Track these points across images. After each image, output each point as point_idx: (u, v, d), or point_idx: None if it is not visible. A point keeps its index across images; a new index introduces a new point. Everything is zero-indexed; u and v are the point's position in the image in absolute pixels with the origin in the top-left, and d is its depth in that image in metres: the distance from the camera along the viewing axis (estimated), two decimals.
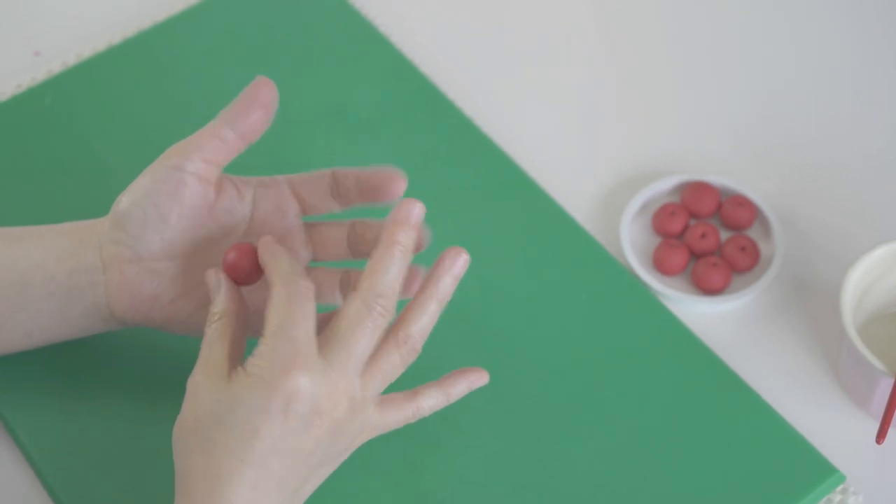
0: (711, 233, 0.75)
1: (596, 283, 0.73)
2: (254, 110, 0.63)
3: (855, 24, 0.85)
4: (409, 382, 0.68)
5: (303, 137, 0.78)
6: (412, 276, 0.62)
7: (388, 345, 0.59)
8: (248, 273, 0.61)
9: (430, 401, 0.62)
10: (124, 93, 0.80)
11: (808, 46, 0.84)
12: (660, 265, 0.74)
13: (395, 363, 0.59)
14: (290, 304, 0.57)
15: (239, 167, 0.77)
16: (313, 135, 0.79)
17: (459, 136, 0.79)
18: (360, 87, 0.81)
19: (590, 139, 0.80)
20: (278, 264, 0.59)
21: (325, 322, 0.59)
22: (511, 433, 0.67)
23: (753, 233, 0.76)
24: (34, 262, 0.63)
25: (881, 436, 0.64)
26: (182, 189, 0.62)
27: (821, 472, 0.66)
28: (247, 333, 0.60)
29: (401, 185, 0.63)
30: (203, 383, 0.57)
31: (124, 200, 0.63)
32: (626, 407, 0.68)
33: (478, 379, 0.64)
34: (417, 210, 0.60)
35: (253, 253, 0.61)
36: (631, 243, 0.75)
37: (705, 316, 0.73)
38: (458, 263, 0.61)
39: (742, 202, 0.75)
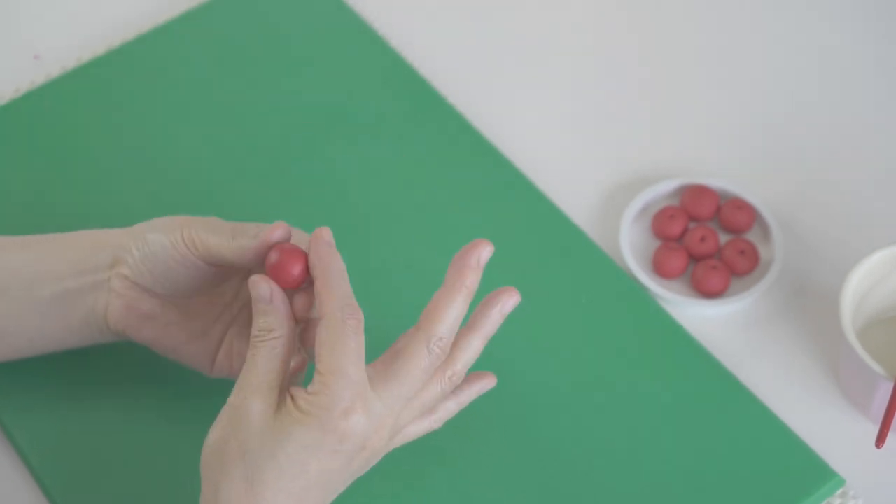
0: (710, 236, 0.75)
1: (595, 286, 0.73)
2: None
3: (856, 31, 0.85)
4: None
5: (302, 140, 0.78)
6: None
7: (434, 379, 0.59)
8: (293, 279, 0.58)
9: (446, 413, 0.62)
10: (123, 96, 0.80)
11: (808, 52, 0.84)
12: (659, 268, 0.74)
13: (437, 396, 0.59)
14: (345, 339, 0.56)
15: (238, 168, 0.78)
16: (312, 137, 0.79)
17: (458, 139, 0.78)
18: (358, 90, 0.81)
19: (589, 142, 0.80)
20: (330, 282, 0.57)
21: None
22: (510, 435, 0.67)
23: (753, 236, 0.76)
24: (45, 267, 0.64)
25: (881, 440, 0.64)
26: (199, 272, 0.62)
27: (820, 475, 0.66)
28: (292, 353, 0.59)
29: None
30: (253, 409, 0.56)
31: (146, 243, 0.62)
32: (625, 410, 0.68)
33: (487, 384, 0.64)
34: (487, 253, 0.60)
35: (298, 256, 0.59)
36: (630, 246, 0.75)
37: (704, 319, 0.73)
38: (509, 304, 0.61)
39: (741, 205, 0.75)
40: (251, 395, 0.56)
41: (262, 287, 0.58)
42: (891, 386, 0.65)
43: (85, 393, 0.68)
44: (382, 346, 0.69)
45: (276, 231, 0.60)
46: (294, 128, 0.79)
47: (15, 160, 0.78)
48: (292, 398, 0.56)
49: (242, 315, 0.65)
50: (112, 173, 0.77)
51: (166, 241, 0.62)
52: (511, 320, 0.71)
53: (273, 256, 0.59)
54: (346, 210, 0.75)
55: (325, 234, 0.59)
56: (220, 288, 0.65)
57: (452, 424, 0.66)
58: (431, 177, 0.77)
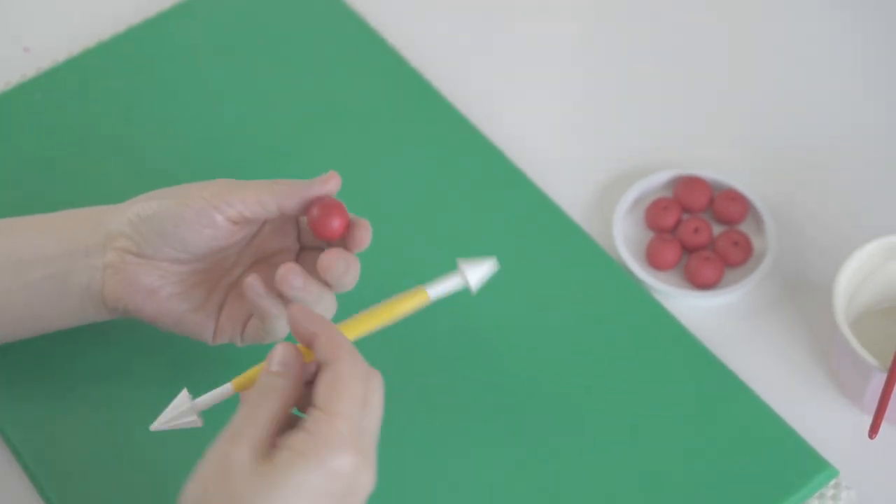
0: (704, 227, 0.75)
1: (589, 278, 0.73)
2: (302, 194, 0.62)
3: (847, 20, 0.85)
4: (413, 387, 0.68)
5: (295, 135, 0.78)
6: None
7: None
8: (334, 231, 0.62)
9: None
10: (114, 89, 0.80)
11: (800, 42, 0.84)
12: (652, 260, 0.74)
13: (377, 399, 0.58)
14: (350, 383, 0.55)
15: (235, 163, 0.77)
16: (306, 132, 0.78)
17: (453, 133, 0.78)
18: (353, 84, 0.80)
19: (582, 134, 0.80)
20: (329, 331, 0.57)
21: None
22: (503, 428, 0.67)
23: (746, 227, 0.76)
24: (32, 245, 0.63)
25: (874, 430, 0.64)
26: (210, 227, 0.62)
27: (813, 466, 0.66)
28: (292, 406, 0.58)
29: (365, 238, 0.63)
30: (244, 459, 0.54)
31: (151, 207, 0.63)
32: (618, 402, 0.68)
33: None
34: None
35: (339, 209, 0.62)
36: (624, 238, 0.75)
37: (698, 310, 0.73)
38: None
39: (734, 196, 0.75)
40: (243, 445, 0.54)
41: (287, 354, 0.57)
42: (884, 377, 0.65)
43: (78, 387, 0.68)
44: (377, 341, 0.69)
45: (329, 182, 0.62)
46: (287, 122, 0.79)
47: (5, 153, 0.78)
48: (282, 441, 0.54)
49: (243, 278, 0.65)
50: (103, 166, 0.77)
51: (183, 203, 0.62)
52: (504, 313, 0.71)
53: (315, 210, 0.62)
54: None
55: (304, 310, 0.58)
56: (221, 254, 0.64)
57: (443, 416, 0.66)
58: (426, 170, 0.77)
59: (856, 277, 0.69)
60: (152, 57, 0.81)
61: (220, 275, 0.65)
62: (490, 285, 0.72)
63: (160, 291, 0.63)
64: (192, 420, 0.59)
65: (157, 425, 0.59)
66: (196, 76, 0.81)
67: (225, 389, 0.59)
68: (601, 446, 0.67)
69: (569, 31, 0.85)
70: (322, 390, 0.55)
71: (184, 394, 0.59)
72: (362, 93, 0.80)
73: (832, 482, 0.66)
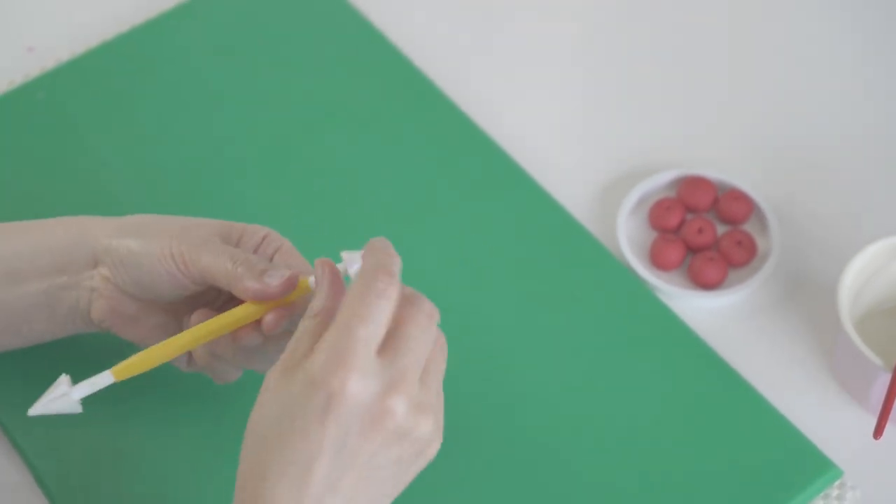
0: (708, 227, 0.74)
1: (592, 279, 0.73)
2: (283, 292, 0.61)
3: (851, 20, 0.85)
4: None
5: (297, 133, 0.78)
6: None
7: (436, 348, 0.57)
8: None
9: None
10: (117, 89, 0.80)
11: (804, 41, 0.84)
12: (656, 260, 0.74)
13: (440, 363, 0.57)
14: (363, 299, 0.54)
15: (236, 162, 0.77)
16: (308, 131, 0.78)
17: (455, 132, 0.78)
18: (355, 83, 0.80)
19: (586, 134, 0.80)
20: (371, 258, 0.56)
21: None
22: (506, 428, 0.67)
23: (750, 227, 0.76)
24: (29, 263, 0.63)
25: (878, 431, 0.64)
26: (183, 289, 0.62)
27: (818, 467, 0.66)
28: None
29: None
30: (272, 380, 0.54)
31: (122, 251, 0.62)
32: (621, 401, 0.68)
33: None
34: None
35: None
36: (627, 238, 0.75)
37: (702, 310, 0.73)
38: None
39: (738, 196, 0.75)
40: (277, 367, 0.54)
41: (318, 269, 0.57)
42: (888, 377, 0.65)
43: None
44: None
45: (285, 286, 0.60)
46: (290, 121, 0.79)
47: (8, 153, 0.77)
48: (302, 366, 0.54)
49: (226, 306, 0.64)
50: (107, 166, 0.77)
51: (153, 250, 0.61)
52: (508, 312, 0.71)
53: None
54: (342, 204, 0.75)
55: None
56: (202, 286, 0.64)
57: (447, 418, 0.66)
58: (428, 170, 0.77)
59: (860, 277, 0.68)
60: (155, 57, 0.81)
61: (203, 303, 0.64)
62: (492, 285, 0.72)
63: (143, 321, 0.63)
64: (72, 406, 0.59)
65: (34, 410, 0.59)
66: (199, 76, 0.81)
67: (104, 378, 0.59)
68: (604, 445, 0.66)
69: (571, 31, 0.85)
70: (340, 305, 0.54)
71: (62, 379, 0.59)
72: (364, 92, 0.80)
73: (837, 482, 0.66)
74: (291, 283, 0.60)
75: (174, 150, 0.77)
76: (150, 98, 0.80)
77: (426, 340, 0.55)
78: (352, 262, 0.58)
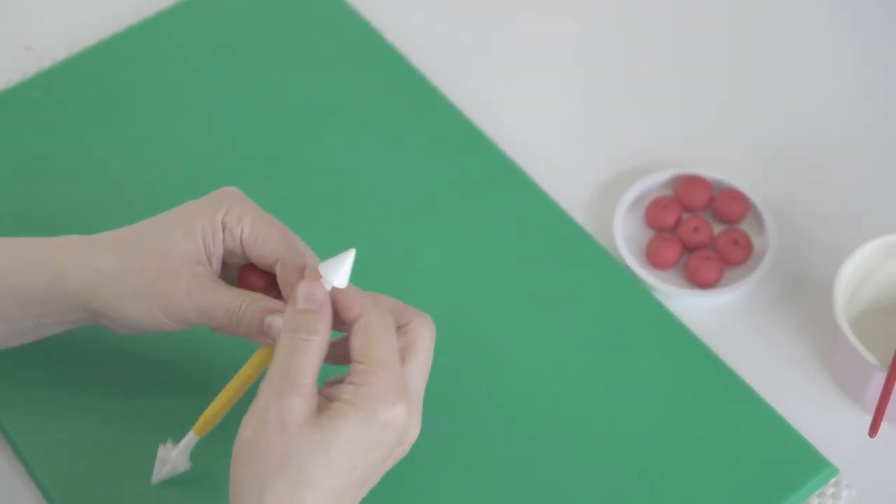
0: (704, 226, 0.75)
1: (589, 277, 0.73)
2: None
3: (847, 19, 0.85)
4: None
5: (295, 132, 0.78)
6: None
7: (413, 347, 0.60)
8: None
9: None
10: (114, 88, 0.80)
11: (800, 41, 0.84)
12: (653, 259, 0.74)
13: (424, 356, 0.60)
14: (385, 333, 0.57)
15: (234, 162, 0.77)
16: (307, 131, 0.78)
17: (453, 131, 0.78)
18: (353, 84, 0.80)
19: (583, 133, 0.80)
20: (348, 293, 0.58)
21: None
22: (503, 427, 0.67)
23: (746, 226, 0.76)
24: (24, 306, 0.63)
25: (874, 429, 0.64)
26: (159, 326, 0.62)
27: (814, 465, 0.66)
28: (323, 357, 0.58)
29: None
30: (296, 409, 0.55)
31: (106, 284, 0.61)
32: (618, 401, 0.68)
33: None
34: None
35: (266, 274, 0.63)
36: (624, 237, 0.75)
37: (698, 309, 0.73)
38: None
39: (735, 195, 0.75)
40: (293, 396, 0.55)
41: (316, 291, 0.58)
42: (884, 376, 0.65)
43: (80, 386, 0.68)
44: None
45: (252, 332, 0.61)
46: (287, 121, 0.79)
47: (6, 152, 0.77)
48: (328, 395, 0.56)
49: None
50: (104, 165, 0.77)
51: (141, 311, 0.61)
52: (506, 312, 0.71)
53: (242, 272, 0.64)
54: (341, 204, 0.75)
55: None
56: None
57: (444, 416, 0.66)
58: (426, 169, 0.77)
59: (856, 276, 0.69)
60: (152, 56, 0.81)
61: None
62: (489, 284, 0.72)
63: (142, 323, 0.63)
64: (181, 467, 0.63)
65: (155, 481, 0.64)
66: (197, 75, 0.81)
67: (191, 439, 0.62)
68: (601, 444, 0.67)
69: (569, 31, 0.85)
70: (357, 343, 0.56)
71: (162, 449, 0.63)
72: (362, 92, 0.80)
73: (832, 481, 0.66)
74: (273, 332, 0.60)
75: (172, 149, 0.77)
76: (148, 97, 0.80)
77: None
78: (331, 274, 0.59)
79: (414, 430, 0.58)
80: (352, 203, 0.75)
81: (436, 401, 0.67)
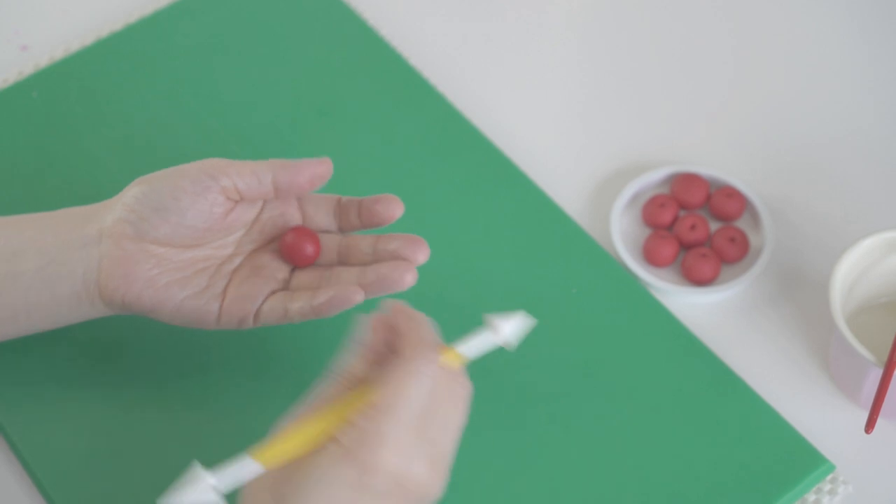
0: (701, 224, 0.75)
1: (586, 275, 0.73)
2: (301, 177, 0.64)
3: (844, 15, 0.85)
4: None
5: (293, 131, 0.78)
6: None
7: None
8: (307, 256, 0.64)
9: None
10: (112, 87, 0.80)
11: (797, 38, 0.85)
12: (650, 256, 0.74)
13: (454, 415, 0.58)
14: (411, 382, 0.55)
15: (229, 157, 0.77)
16: (304, 128, 0.78)
17: (449, 129, 0.78)
18: (349, 81, 0.81)
19: (580, 131, 0.80)
20: (417, 329, 0.57)
21: None
22: (500, 424, 0.67)
23: (743, 224, 0.76)
24: (27, 240, 0.63)
25: (870, 425, 0.64)
26: (206, 195, 0.63)
27: (810, 461, 0.66)
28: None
29: (397, 208, 0.65)
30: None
31: (144, 184, 0.63)
32: (615, 398, 0.68)
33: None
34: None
35: (311, 235, 0.64)
36: (621, 235, 0.75)
37: (695, 307, 0.73)
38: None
39: (731, 193, 0.76)
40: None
41: (368, 329, 0.58)
42: (880, 372, 0.65)
43: (79, 385, 0.68)
44: None
45: (323, 165, 0.64)
46: (284, 118, 0.79)
47: (3, 151, 0.77)
48: (336, 439, 0.54)
49: (247, 263, 0.65)
50: (101, 164, 0.77)
51: (178, 173, 0.63)
52: (501, 308, 0.71)
53: (288, 237, 0.64)
54: None
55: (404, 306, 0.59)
56: (219, 238, 0.65)
57: None
58: (422, 167, 0.77)
59: (852, 273, 0.69)
60: (150, 55, 0.81)
61: (220, 262, 0.65)
62: (486, 282, 0.72)
63: (158, 279, 0.63)
64: (211, 499, 0.51)
65: (168, 501, 0.52)
66: (194, 74, 0.81)
67: (250, 467, 0.52)
68: (597, 441, 0.67)
69: (565, 28, 0.85)
70: (382, 384, 0.55)
71: (202, 473, 0.50)
72: (359, 90, 0.80)
73: (829, 477, 0.67)
74: (328, 162, 0.65)
75: (169, 148, 0.78)
76: (145, 97, 0.80)
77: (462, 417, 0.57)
78: (499, 327, 0.58)
79: (432, 491, 0.55)
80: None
81: None
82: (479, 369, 0.69)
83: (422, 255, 0.64)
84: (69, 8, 0.85)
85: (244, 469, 0.51)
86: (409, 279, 0.63)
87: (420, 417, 0.55)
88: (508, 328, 0.58)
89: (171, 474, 0.64)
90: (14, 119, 0.79)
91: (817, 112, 0.81)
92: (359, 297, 0.63)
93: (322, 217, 0.66)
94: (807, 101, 0.81)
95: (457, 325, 0.70)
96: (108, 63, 0.81)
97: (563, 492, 0.65)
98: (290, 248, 0.65)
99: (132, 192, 0.63)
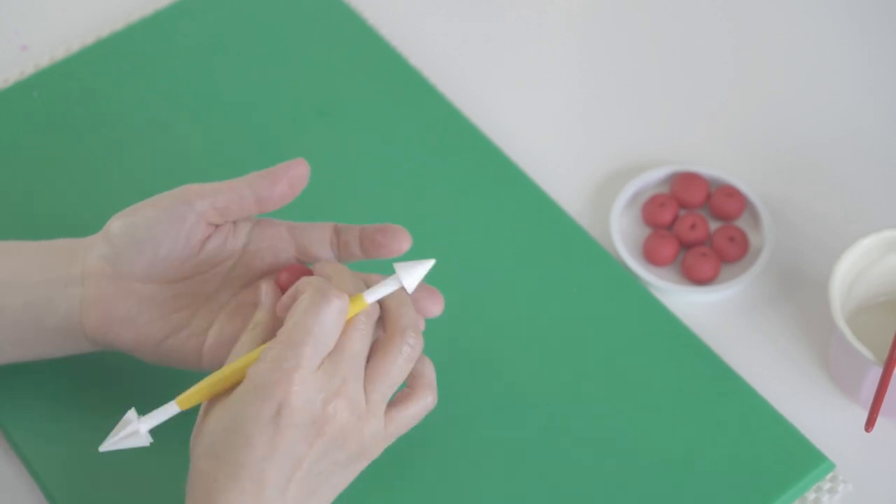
0: (701, 223, 0.75)
1: (586, 275, 0.73)
2: (280, 184, 0.62)
3: (844, 15, 0.85)
4: None
5: (294, 131, 0.78)
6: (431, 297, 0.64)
7: (390, 346, 0.58)
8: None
9: (432, 391, 0.61)
10: (112, 87, 0.80)
11: (797, 38, 0.85)
12: (650, 256, 0.74)
13: (400, 365, 0.59)
14: (309, 312, 0.56)
15: (233, 160, 0.77)
16: (304, 128, 0.78)
17: (450, 129, 0.79)
18: (349, 80, 0.81)
19: (580, 130, 0.80)
20: (329, 271, 0.59)
21: None
22: (500, 423, 0.67)
23: (742, 223, 0.76)
24: (16, 271, 0.62)
25: (870, 424, 0.64)
26: (182, 224, 0.61)
27: (810, 460, 0.66)
28: None
29: (405, 242, 0.63)
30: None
31: (121, 218, 0.62)
32: (616, 397, 0.68)
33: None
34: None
35: (306, 273, 0.62)
36: (621, 234, 0.75)
37: (695, 306, 0.73)
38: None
39: (731, 192, 0.76)
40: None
41: (261, 289, 0.60)
42: (880, 371, 0.65)
43: (82, 388, 0.68)
44: None
45: (298, 167, 0.62)
46: (283, 118, 0.79)
47: (4, 151, 0.78)
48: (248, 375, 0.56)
49: (234, 301, 0.63)
50: (101, 164, 0.77)
51: (153, 204, 0.61)
52: (502, 309, 0.71)
53: (283, 275, 0.62)
54: (336, 201, 0.75)
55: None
56: (201, 275, 0.63)
57: (442, 414, 0.66)
58: (422, 166, 0.77)
59: (852, 272, 0.69)
60: (150, 55, 0.81)
61: (204, 299, 0.63)
62: (487, 281, 0.72)
63: (137, 318, 0.62)
64: (141, 440, 0.58)
65: (105, 447, 0.58)
66: (194, 74, 0.81)
67: (170, 408, 0.58)
68: (597, 440, 0.67)
69: (565, 28, 0.85)
70: (287, 320, 0.56)
71: (130, 414, 0.58)
72: (359, 89, 0.80)
73: (829, 475, 0.67)
74: (303, 162, 0.63)
75: (170, 148, 0.78)
76: (146, 96, 0.80)
77: (362, 349, 0.57)
78: (405, 275, 0.59)
79: (364, 438, 0.57)
80: (347, 199, 0.75)
81: None
82: (474, 368, 0.69)
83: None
84: (69, 8, 0.85)
85: (167, 411, 0.58)
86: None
87: (329, 356, 0.56)
88: (412, 276, 0.59)
89: (172, 474, 0.65)
90: (14, 119, 0.79)
91: (817, 112, 0.81)
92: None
93: (318, 248, 0.63)
94: (807, 100, 0.81)
95: (456, 324, 0.70)
96: (109, 63, 0.81)
97: (562, 489, 0.65)
98: (286, 286, 0.62)
99: (112, 227, 0.62)
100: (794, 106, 0.81)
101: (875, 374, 0.65)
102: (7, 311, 0.62)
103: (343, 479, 0.59)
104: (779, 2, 0.86)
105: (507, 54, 0.84)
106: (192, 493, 0.56)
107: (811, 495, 0.66)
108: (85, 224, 0.67)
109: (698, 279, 0.73)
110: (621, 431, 0.67)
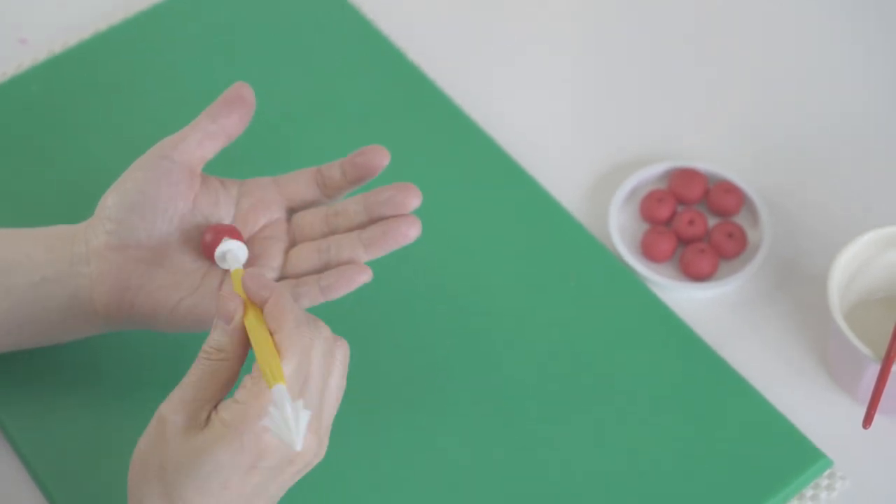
0: (699, 219, 0.75)
1: (584, 270, 0.73)
2: (236, 107, 0.64)
3: (842, 11, 0.85)
4: (401, 374, 0.68)
5: (293, 129, 0.78)
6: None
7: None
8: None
9: (344, 355, 0.59)
10: (110, 81, 0.80)
11: (795, 33, 0.85)
12: (648, 252, 0.74)
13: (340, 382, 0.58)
14: (287, 355, 0.55)
15: (231, 158, 0.77)
16: (303, 126, 0.78)
17: (449, 125, 0.78)
18: (350, 78, 0.81)
19: (578, 127, 0.80)
20: (278, 303, 0.56)
21: None
22: (498, 419, 0.67)
23: (741, 219, 0.76)
24: (21, 252, 0.63)
25: (868, 421, 0.64)
26: (168, 176, 0.62)
27: (808, 457, 0.66)
28: (236, 379, 0.57)
29: (383, 157, 0.64)
30: (176, 425, 0.55)
31: (111, 192, 0.63)
32: (614, 393, 0.68)
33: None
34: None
35: (232, 231, 0.62)
36: (619, 230, 0.75)
37: (693, 302, 0.73)
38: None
39: (729, 188, 0.76)
40: (179, 411, 0.55)
41: (229, 305, 0.57)
42: (878, 367, 0.65)
43: (80, 384, 0.68)
44: (372, 332, 0.69)
45: (241, 89, 0.64)
46: (284, 115, 0.79)
47: (2, 145, 0.77)
48: (216, 410, 0.55)
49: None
50: (100, 158, 0.77)
51: (137, 167, 0.63)
52: (501, 305, 0.71)
53: (208, 235, 0.63)
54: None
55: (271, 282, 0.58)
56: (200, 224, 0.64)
57: (438, 408, 0.66)
58: (422, 163, 0.77)
59: (850, 268, 0.69)
60: (149, 50, 0.81)
61: (210, 265, 0.64)
62: (485, 277, 0.72)
63: (149, 285, 0.62)
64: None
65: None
66: (193, 68, 0.81)
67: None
68: (595, 437, 0.67)
69: (565, 24, 0.85)
70: (261, 354, 0.55)
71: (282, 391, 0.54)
72: (360, 87, 0.80)
73: (827, 472, 0.67)
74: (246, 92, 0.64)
75: None
76: (145, 91, 0.80)
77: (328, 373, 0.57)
78: (231, 259, 0.60)
79: (309, 456, 0.55)
80: (349, 194, 0.75)
81: (431, 393, 0.68)
82: (473, 364, 0.69)
83: (415, 199, 0.63)
84: (68, 2, 0.85)
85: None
86: (414, 232, 0.63)
87: (300, 390, 0.55)
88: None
89: None
90: (13, 113, 0.79)
91: (816, 108, 0.81)
92: (365, 276, 0.62)
93: (305, 190, 0.65)
94: (805, 96, 0.81)
95: (454, 319, 0.70)
96: (107, 57, 0.81)
97: (558, 487, 0.65)
98: (210, 249, 0.62)
99: (106, 202, 0.63)
100: (793, 102, 0.81)
101: (873, 370, 0.65)
102: (14, 292, 0.62)
103: (283, 491, 0.57)
104: (778, 1, 0.86)
105: (506, 51, 0.84)
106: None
107: (809, 492, 0.66)
108: (83, 218, 0.67)
109: (696, 275, 0.73)
110: (618, 427, 0.67)
